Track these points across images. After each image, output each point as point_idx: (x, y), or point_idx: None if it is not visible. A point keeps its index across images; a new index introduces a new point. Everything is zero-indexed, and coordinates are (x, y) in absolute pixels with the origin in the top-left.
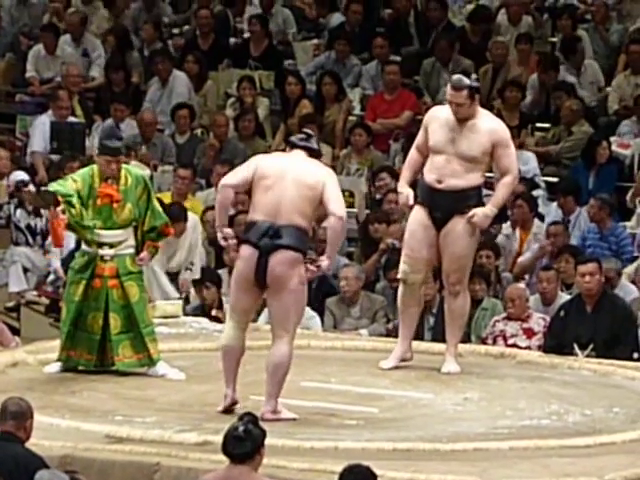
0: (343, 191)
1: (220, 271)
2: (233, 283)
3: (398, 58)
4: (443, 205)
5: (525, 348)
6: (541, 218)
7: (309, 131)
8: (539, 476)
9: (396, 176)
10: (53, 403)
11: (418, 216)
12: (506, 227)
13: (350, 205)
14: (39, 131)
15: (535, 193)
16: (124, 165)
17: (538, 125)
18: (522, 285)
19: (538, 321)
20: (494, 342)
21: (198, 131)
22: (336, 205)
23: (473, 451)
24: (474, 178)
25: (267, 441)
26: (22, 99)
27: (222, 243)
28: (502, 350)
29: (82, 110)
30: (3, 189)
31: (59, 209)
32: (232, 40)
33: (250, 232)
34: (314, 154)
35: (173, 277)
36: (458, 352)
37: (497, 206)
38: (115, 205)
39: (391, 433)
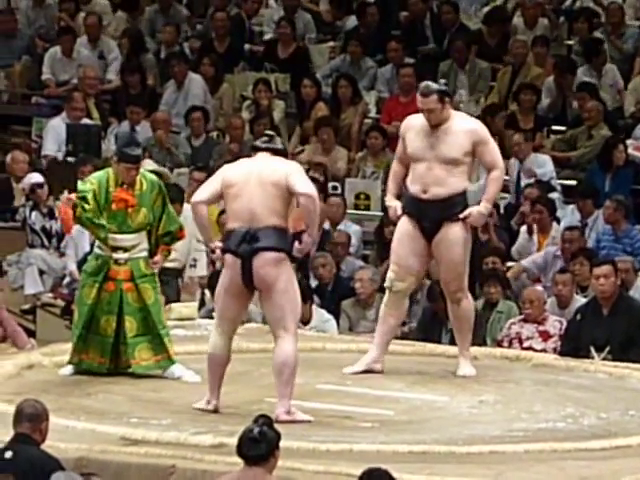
0: (359, 194)
1: None
2: (221, 291)
3: (413, 60)
4: (431, 214)
5: (541, 351)
6: (557, 221)
7: (271, 132)
8: (555, 479)
9: None
10: (69, 405)
11: (406, 226)
12: (524, 231)
13: (366, 207)
14: (52, 134)
15: (551, 196)
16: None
17: (554, 128)
18: (540, 288)
19: (554, 324)
20: (510, 345)
21: (214, 134)
22: (301, 185)
23: (489, 454)
24: (458, 183)
25: (282, 443)
26: (38, 101)
27: (212, 256)
28: (518, 353)
29: (98, 112)
30: (19, 192)
31: (71, 195)
32: (247, 46)
33: (230, 241)
34: (279, 153)
35: (177, 274)
36: (473, 355)
37: (490, 202)
38: (130, 210)
39: (406, 436)
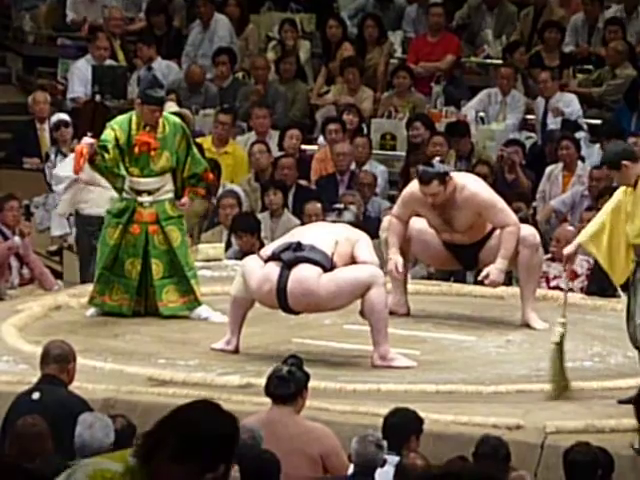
0: (384, 134)
1: (260, 215)
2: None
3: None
4: (466, 253)
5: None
6: (583, 160)
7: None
8: (581, 417)
9: (430, 125)
10: (96, 346)
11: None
12: (550, 170)
13: (392, 148)
14: (77, 76)
15: (577, 135)
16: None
17: (581, 67)
18: (571, 228)
19: (582, 263)
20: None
21: (239, 74)
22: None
23: (516, 393)
24: (481, 230)
25: (310, 383)
26: (64, 43)
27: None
28: (545, 292)
29: (123, 54)
30: (42, 133)
31: (87, 139)
32: None
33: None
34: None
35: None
36: (500, 295)
37: (507, 258)
38: (152, 153)
39: (433, 375)
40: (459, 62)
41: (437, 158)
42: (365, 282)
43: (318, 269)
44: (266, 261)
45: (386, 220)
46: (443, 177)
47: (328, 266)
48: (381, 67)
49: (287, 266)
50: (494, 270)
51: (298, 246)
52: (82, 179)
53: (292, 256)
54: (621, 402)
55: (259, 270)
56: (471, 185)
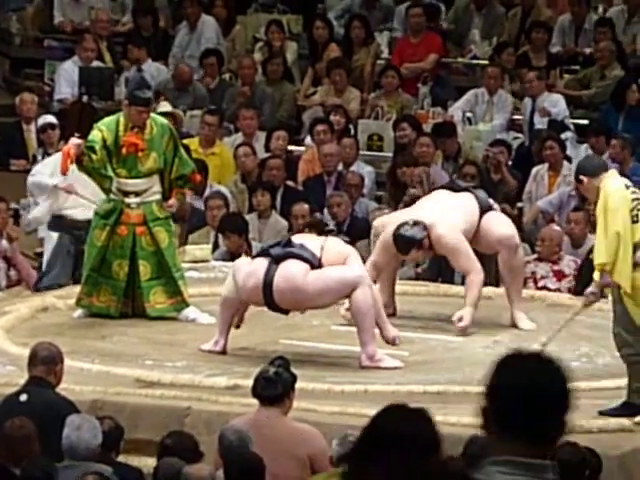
0: (371, 135)
1: (248, 216)
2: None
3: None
4: None
5: (555, 290)
6: (569, 160)
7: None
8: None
9: (417, 126)
10: (83, 348)
11: None
12: (536, 170)
13: (379, 148)
14: (64, 77)
15: (564, 135)
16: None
17: (567, 68)
18: (557, 227)
19: (569, 263)
20: (524, 284)
21: (226, 75)
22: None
23: None
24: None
25: (297, 385)
26: (50, 44)
27: None
28: (532, 293)
29: (110, 55)
30: (29, 134)
31: (74, 139)
32: None
33: None
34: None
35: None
36: (487, 295)
37: (474, 305)
38: (140, 154)
39: (421, 376)
40: (443, 62)
41: (410, 221)
42: (352, 281)
43: (306, 266)
44: (254, 257)
45: (378, 221)
46: (420, 242)
47: (316, 264)
48: (368, 68)
49: (275, 261)
50: (466, 315)
51: (288, 242)
52: (60, 186)
53: (281, 251)
54: (602, 413)
55: (247, 266)
56: (439, 228)
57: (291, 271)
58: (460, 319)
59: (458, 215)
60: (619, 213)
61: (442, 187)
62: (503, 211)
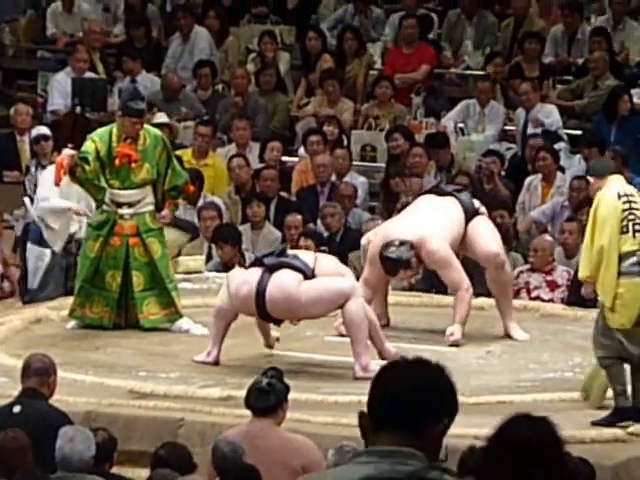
0: (365, 145)
1: (242, 227)
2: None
3: (425, 11)
4: None
5: (548, 301)
6: (562, 171)
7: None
8: (563, 428)
9: (409, 137)
10: (77, 359)
11: None
12: (529, 180)
13: (372, 159)
14: (57, 89)
15: (557, 146)
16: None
17: (560, 78)
18: (549, 238)
19: (562, 274)
20: (518, 294)
21: (219, 86)
22: None
23: (496, 404)
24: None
25: (291, 395)
26: (43, 56)
27: None
28: (525, 303)
29: (103, 66)
30: (23, 145)
31: (67, 150)
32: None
33: None
34: None
35: None
36: (480, 305)
37: (463, 322)
38: (133, 165)
39: None
40: (435, 72)
41: (396, 242)
42: (345, 292)
43: (299, 275)
44: (248, 267)
45: (365, 239)
46: (408, 262)
47: (309, 275)
48: (360, 78)
49: (269, 270)
50: (456, 331)
51: (281, 252)
52: (73, 209)
53: (275, 261)
54: (595, 424)
55: (240, 276)
56: (429, 244)
57: (284, 280)
58: (451, 334)
59: (445, 225)
60: (607, 225)
61: (427, 192)
62: (500, 218)
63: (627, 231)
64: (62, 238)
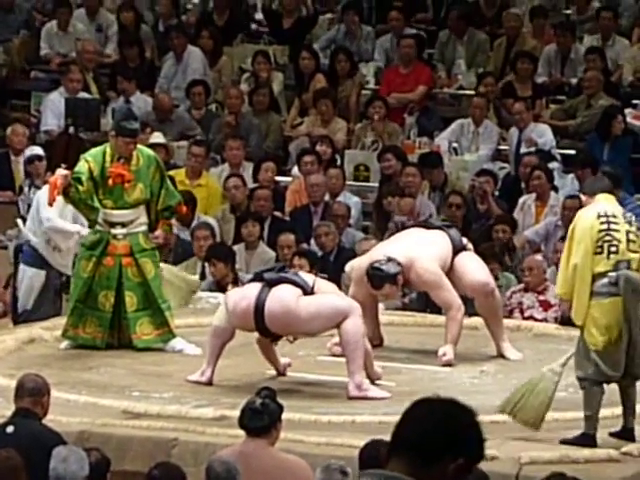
0: (358, 165)
1: (236, 247)
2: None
3: (414, 31)
4: None
5: (542, 320)
6: (556, 190)
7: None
8: (556, 448)
9: (401, 157)
10: (70, 379)
11: None
12: (523, 199)
13: (365, 179)
14: (50, 109)
15: (550, 166)
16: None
17: (553, 98)
18: (539, 256)
19: (555, 293)
20: (511, 314)
21: (213, 106)
22: None
23: (490, 424)
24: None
25: (284, 415)
26: (37, 76)
27: None
28: (519, 323)
29: (97, 86)
30: (17, 166)
31: (61, 170)
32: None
33: None
34: None
35: None
36: (474, 325)
37: (454, 342)
38: (127, 185)
39: None
40: (432, 93)
41: (384, 258)
42: (343, 310)
43: (298, 290)
44: (248, 282)
45: (348, 266)
46: (394, 278)
47: (309, 291)
48: (353, 98)
49: (268, 284)
50: (449, 351)
51: (281, 268)
52: (82, 234)
53: (275, 276)
54: (563, 442)
55: (239, 291)
56: (419, 264)
57: (284, 294)
58: (444, 354)
59: (434, 251)
60: (581, 245)
61: (414, 225)
62: (502, 233)
63: (602, 252)
64: (71, 259)
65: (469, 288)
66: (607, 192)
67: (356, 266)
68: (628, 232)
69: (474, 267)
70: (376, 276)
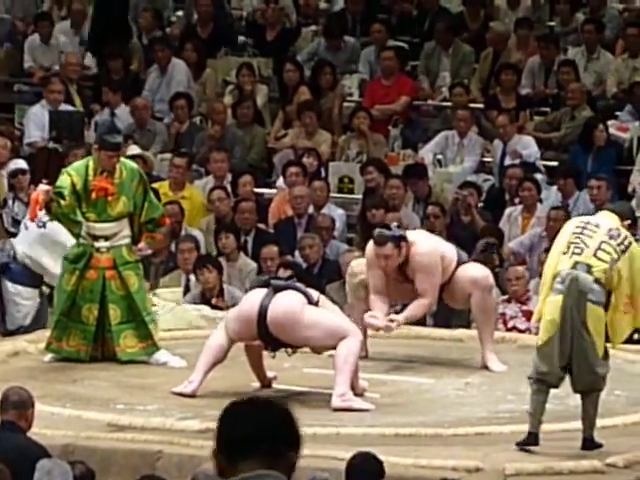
0: (342, 177)
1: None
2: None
3: (399, 43)
4: None
5: (524, 330)
6: (540, 202)
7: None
8: (541, 460)
9: (383, 169)
10: (54, 392)
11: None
12: (509, 211)
13: (350, 191)
14: (33, 121)
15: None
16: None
17: (537, 109)
18: (521, 268)
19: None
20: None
21: (197, 119)
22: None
23: (475, 436)
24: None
25: None
26: (20, 89)
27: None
28: (503, 335)
29: (80, 99)
30: (3, 183)
31: (42, 186)
32: (241, 38)
33: None
34: None
35: None
36: (458, 337)
37: (408, 320)
38: (110, 198)
39: (393, 418)
40: (414, 104)
41: (395, 223)
42: (345, 330)
43: (303, 298)
44: (252, 287)
45: (349, 265)
46: (398, 241)
47: (314, 301)
48: (335, 110)
49: (274, 290)
50: (400, 320)
51: (289, 277)
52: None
53: (281, 283)
54: (519, 444)
55: (243, 299)
56: (420, 245)
57: (289, 299)
58: (391, 320)
59: (441, 244)
60: (557, 245)
61: None
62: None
63: (567, 252)
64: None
65: (470, 280)
66: (613, 212)
67: (367, 250)
68: (603, 242)
69: (477, 265)
70: (382, 234)
